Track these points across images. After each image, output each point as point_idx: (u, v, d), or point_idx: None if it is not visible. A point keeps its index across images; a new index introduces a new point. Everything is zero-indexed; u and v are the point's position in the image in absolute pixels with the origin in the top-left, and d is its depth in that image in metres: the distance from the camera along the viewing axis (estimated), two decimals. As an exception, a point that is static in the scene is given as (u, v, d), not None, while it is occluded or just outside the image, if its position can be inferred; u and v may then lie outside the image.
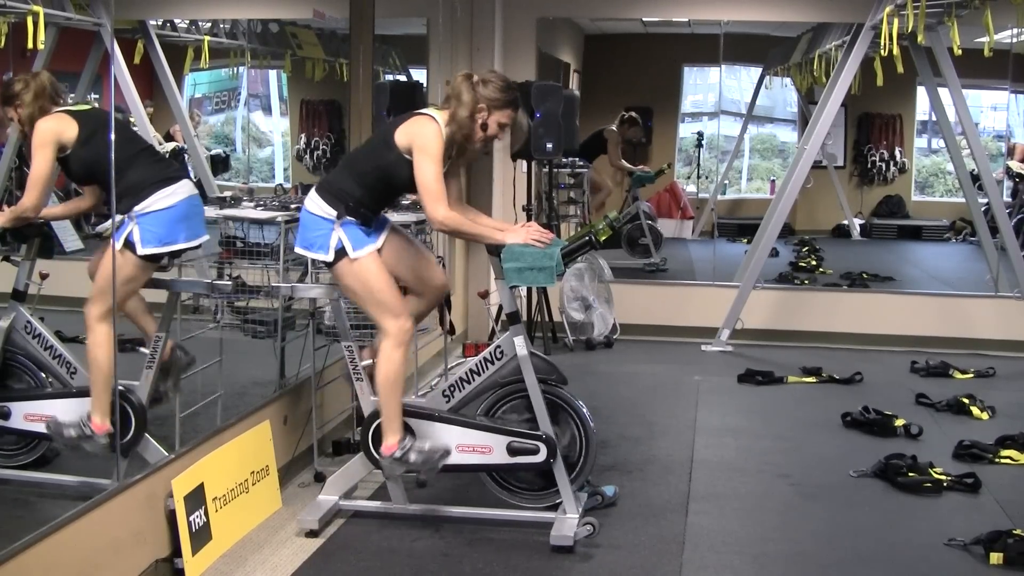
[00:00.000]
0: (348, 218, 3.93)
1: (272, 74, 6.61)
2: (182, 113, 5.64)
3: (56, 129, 3.77)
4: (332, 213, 3.92)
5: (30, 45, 3.81)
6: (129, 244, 3.77)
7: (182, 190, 3.90)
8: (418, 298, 4.22)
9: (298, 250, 4.07)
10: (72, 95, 4.38)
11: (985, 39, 6.65)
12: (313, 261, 4.31)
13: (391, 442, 4.01)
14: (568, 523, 4.01)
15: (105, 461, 3.77)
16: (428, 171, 3.84)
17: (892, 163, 10.65)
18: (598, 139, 9.28)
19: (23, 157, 4.31)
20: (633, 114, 9.39)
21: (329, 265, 3.99)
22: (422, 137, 3.87)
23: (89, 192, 4.05)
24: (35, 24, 3.79)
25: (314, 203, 3.97)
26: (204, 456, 3.95)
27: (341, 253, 3.92)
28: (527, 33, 7.94)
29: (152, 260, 3.84)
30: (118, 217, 3.80)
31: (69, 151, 3.80)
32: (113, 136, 3.80)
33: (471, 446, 4.09)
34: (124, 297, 3.84)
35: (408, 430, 4.07)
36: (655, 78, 10.09)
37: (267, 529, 4.18)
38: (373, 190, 3.97)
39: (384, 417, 4.03)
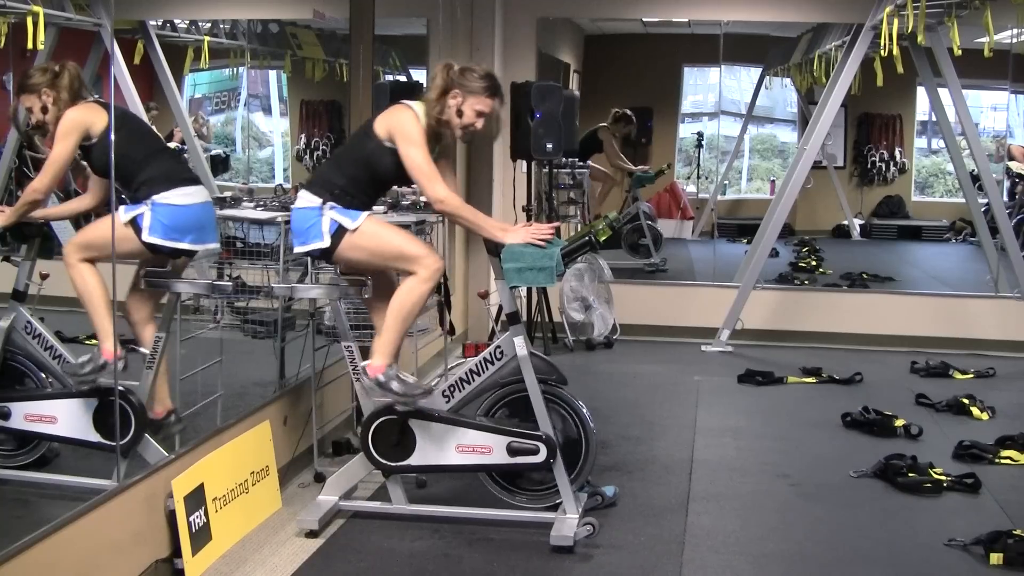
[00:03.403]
0: (335, 204, 3.92)
1: (272, 74, 6.60)
2: (182, 113, 5.63)
3: (84, 119, 3.77)
4: (318, 201, 3.93)
5: (30, 45, 3.80)
6: (136, 226, 3.78)
7: (200, 195, 3.94)
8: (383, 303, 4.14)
9: (297, 250, 4.07)
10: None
11: (985, 39, 6.65)
12: (315, 261, 4.31)
13: (378, 364, 3.96)
14: (568, 523, 4.01)
15: (105, 461, 3.77)
16: (415, 156, 3.86)
17: (892, 163, 10.64)
18: (593, 139, 9.22)
19: (23, 157, 4.31)
20: (627, 111, 9.34)
21: (331, 252, 3.94)
22: (400, 125, 3.90)
23: (92, 191, 4.04)
24: (35, 24, 3.78)
25: (301, 199, 3.99)
26: (204, 456, 3.95)
27: (339, 233, 3.90)
28: (527, 33, 7.94)
29: (151, 249, 3.85)
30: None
31: (95, 140, 3.80)
32: (141, 130, 3.87)
33: (471, 446, 4.09)
34: (108, 256, 3.79)
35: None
36: (655, 78, 10.08)
37: (267, 529, 4.18)
38: (356, 179, 3.97)
39: (383, 339, 3.97)
